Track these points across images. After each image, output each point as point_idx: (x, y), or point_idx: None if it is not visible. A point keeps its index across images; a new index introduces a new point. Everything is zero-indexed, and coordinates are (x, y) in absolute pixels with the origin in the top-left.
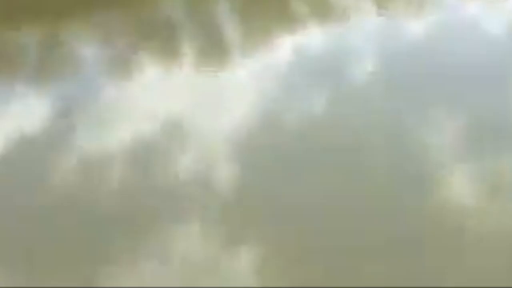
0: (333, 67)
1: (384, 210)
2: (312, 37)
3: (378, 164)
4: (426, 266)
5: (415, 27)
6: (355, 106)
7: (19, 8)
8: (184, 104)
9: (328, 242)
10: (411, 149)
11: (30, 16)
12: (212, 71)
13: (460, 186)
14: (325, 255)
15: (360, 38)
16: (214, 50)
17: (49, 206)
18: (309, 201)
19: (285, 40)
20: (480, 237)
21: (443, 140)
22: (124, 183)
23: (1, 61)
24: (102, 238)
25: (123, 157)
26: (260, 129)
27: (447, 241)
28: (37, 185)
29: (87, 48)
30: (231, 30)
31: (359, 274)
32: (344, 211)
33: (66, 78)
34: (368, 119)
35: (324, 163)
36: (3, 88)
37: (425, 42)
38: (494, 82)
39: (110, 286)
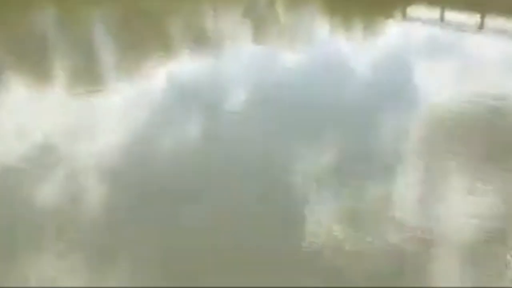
0: (205, 95)
1: (253, 232)
2: (186, 65)
3: (246, 191)
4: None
5: (288, 59)
6: (226, 133)
7: None
8: (53, 127)
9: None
10: (276, 176)
11: None
12: (85, 94)
13: (319, 213)
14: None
15: (234, 66)
16: (87, 72)
17: None
18: (172, 232)
19: (159, 66)
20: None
21: (306, 168)
22: None
23: None
24: None
25: None
26: (131, 154)
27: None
28: None
29: None
30: (105, 53)
31: None
32: (211, 242)
33: None
34: (237, 146)
35: (196, 192)
36: None
37: (296, 75)
38: (358, 114)
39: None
